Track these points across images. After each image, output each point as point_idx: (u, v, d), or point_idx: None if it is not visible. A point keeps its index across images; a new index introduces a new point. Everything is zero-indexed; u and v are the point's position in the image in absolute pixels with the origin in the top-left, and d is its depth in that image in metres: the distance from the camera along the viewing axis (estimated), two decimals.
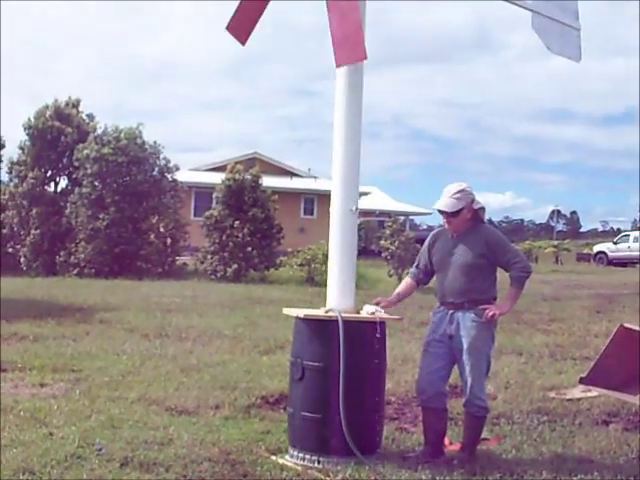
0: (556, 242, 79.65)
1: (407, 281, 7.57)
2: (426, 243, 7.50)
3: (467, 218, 7.11)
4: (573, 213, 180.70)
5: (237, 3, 7.60)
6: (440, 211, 7.15)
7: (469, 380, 7.00)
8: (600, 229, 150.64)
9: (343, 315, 6.69)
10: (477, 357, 7.00)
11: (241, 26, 7.63)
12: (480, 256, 7.02)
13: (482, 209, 7.21)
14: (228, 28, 7.67)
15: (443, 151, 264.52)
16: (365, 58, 6.23)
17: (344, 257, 6.97)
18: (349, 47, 6.22)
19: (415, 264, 7.58)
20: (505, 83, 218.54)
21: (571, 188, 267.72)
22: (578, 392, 10.06)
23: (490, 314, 6.93)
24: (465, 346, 6.97)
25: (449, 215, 7.09)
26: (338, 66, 6.33)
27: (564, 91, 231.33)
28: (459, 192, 7.07)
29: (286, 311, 7.41)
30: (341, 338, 6.56)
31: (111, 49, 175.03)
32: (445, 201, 7.07)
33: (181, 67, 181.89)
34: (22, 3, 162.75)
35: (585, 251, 72.29)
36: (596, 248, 61.80)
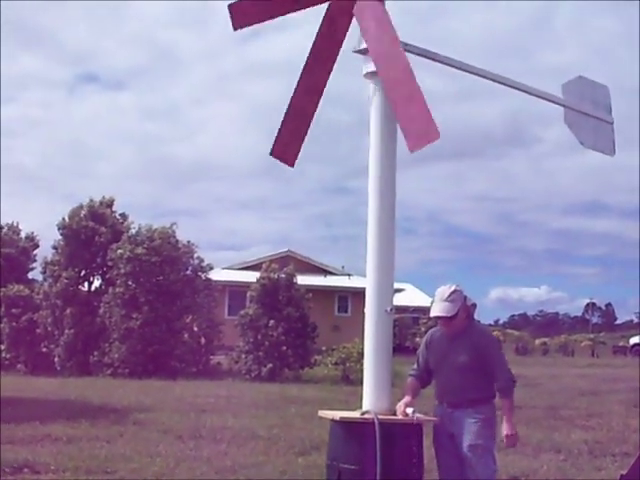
0: (592, 335, 79.40)
1: (412, 382, 7.46)
2: (423, 343, 7.54)
3: (463, 318, 7.13)
4: (608, 305, 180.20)
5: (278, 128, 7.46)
6: (436, 316, 7.16)
7: (475, 478, 6.94)
8: (635, 320, 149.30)
9: (379, 417, 6.57)
10: (481, 453, 6.97)
11: (287, 149, 7.52)
12: (475, 356, 7.05)
13: (474, 305, 7.27)
14: (273, 154, 7.52)
15: (477, 246, 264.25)
16: (438, 137, 6.10)
17: (379, 358, 6.87)
18: (420, 131, 6.12)
19: (415, 364, 7.55)
20: (539, 177, 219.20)
21: (605, 280, 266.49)
22: None
23: (510, 443, 7.11)
24: (467, 443, 6.97)
25: (447, 319, 7.08)
26: (412, 151, 6.18)
27: (597, 184, 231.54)
28: (452, 294, 7.11)
29: (322, 414, 7.29)
30: (377, 441, 6.43)
31: (148, 150, 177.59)
32: (441, 306, 7.09)
33: (217, 167, 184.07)
34: (62, 104, 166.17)
35: (621, 343, 71.95)
36: (632, 340, 61.42)
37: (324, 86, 7.27)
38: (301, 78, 7.27)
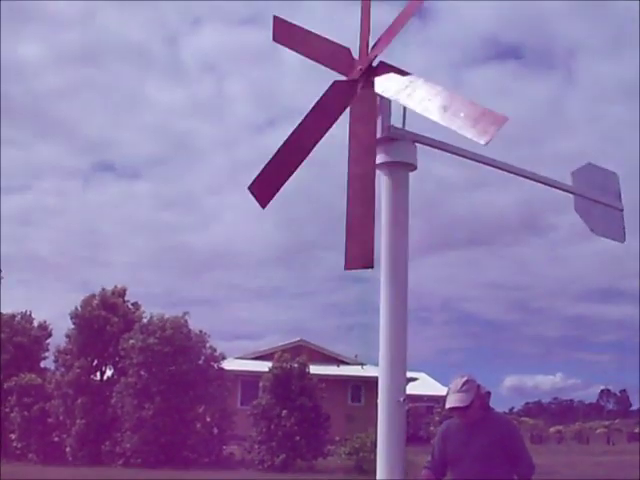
0: (607, 422, 78.71)
1: (427, 474, 7.38)
2: (438, 435, 7.44)
3: (478, 406, 7.04)
4: (623, 392, 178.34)
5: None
6: (451, 408, 7.07)
7: None
8: None
9: None
10: None
11: (359, 259, 6.59)
12: (495, 443, 6.97)
13: (488, 394, 7.21)
14: (346, 267, 6.59)
15: (492, 334, 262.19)
16: (507, 118, 6.08)
17: (392, 448, 6.82)
18: (484, 124, 6.07)
19: (430, 456, 7.45)
20: (553, 264, 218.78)
21: (620, 366, 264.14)
22: None
23: None
24: None
25: (463, 409, 7.01)
26: (486, 144, 6.00)
27: (612, 270, 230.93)
28: (465, 384, 7.01)
29: None
30: None
31: (162, 239, 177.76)
32: (456, 397, 7.00)
33: (231, 256, 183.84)
34: (77, 193, 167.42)
35: (636, 430, 71.30)
36: None
37: (374, 185, 6.66)
38: (350, 185, 6.71)
